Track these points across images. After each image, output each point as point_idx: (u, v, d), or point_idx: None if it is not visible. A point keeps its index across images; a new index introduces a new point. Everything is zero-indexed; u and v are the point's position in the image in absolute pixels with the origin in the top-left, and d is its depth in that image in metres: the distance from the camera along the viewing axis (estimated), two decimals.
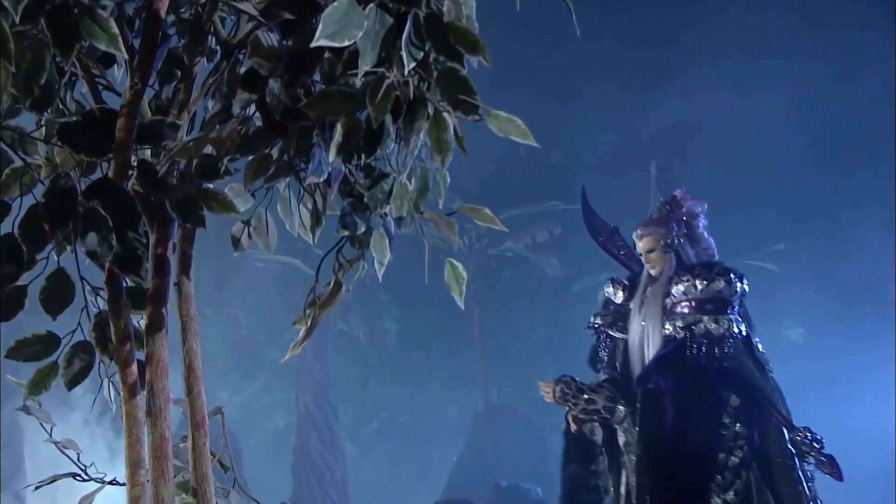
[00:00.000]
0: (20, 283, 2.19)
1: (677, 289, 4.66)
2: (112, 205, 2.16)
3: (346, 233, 2.04)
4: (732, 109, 14.67)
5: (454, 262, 2.01)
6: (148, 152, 2.37)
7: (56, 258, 2.34)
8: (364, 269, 2.15)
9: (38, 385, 2.29)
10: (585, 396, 4.66)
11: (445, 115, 1.82)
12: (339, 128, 1.99)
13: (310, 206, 2.36)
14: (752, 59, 14.53)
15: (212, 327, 17.42)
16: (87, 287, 2.33)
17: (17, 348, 2.26)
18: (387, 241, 2.06)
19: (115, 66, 2.50)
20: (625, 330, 4.88)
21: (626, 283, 4.96)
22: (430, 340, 19.30)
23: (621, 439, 4.73)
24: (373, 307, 19.29)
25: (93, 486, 2.62)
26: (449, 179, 2.03)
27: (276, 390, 19.45)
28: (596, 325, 4.98)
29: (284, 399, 18.84)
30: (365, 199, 2.05)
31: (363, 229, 2.04)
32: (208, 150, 2.28)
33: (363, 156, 2.02)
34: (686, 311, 4.63)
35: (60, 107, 2.37)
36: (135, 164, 2.26)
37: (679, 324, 4.62)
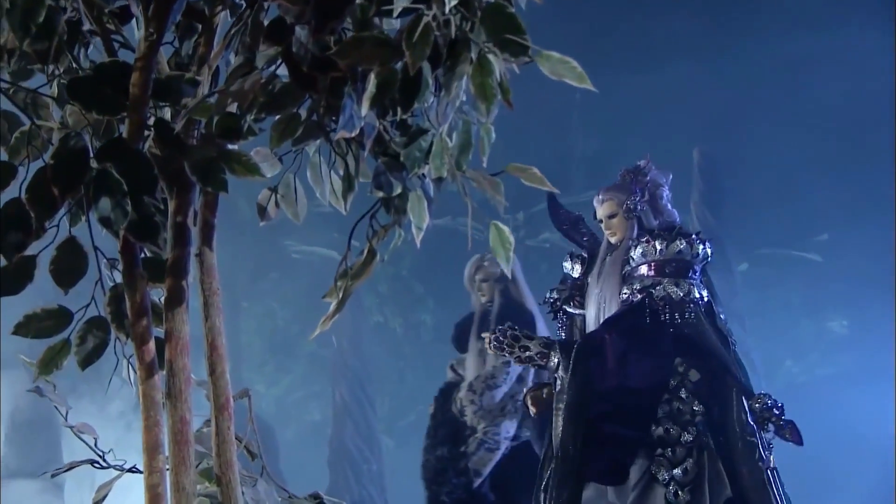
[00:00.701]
0: (28, 253, 2.03)
1: (636, 252, 4.52)
2: (126, 167, 1.98)
3: (381, 194, 1.85)
4: (782, 91, 14.34)
5: (500, 224, 1.81)
6: (168, 115, 2.20)
7: (69, 227, 2.18)
8: (401, 236, 1.96)
9: (49, 364, 2.13)
10: (520, 344, 4.49)
11: (491, 57, 1.63)
12: (372, 78, 1.80)
13: (341, 172, 2.17)
14: (809, 38, 14.17)
15: (248, 320, 17.31)
16: (102, 258, 2.15)
17: (26, 324, 2.10)
18: (425, 203, 1.87)
19: (135, 23, 2.33)
20: (582, 305, 4.73)
21: (584, 255, 4.80)
22: None
23: (556, 387, 4.51)
24: (409, 299, 19.15)
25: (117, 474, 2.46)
26: (494, 135, 1.84)
27: (312, 382, 19.34)
28: (552, 301, 4.80)
29: (320, 391, 18.73)
30: (401, 158, 1.86)
31: (399, 190, 1.85)
32: (232, 109, 2.11)
33: (399, 110, 1.83)
34: (645, 273, 4.49)
35: (74, 66, 2.20)
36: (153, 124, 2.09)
37: (637, 286, 4.47)
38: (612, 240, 4.65)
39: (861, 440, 13.57)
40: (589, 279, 4.71)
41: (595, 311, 4.62)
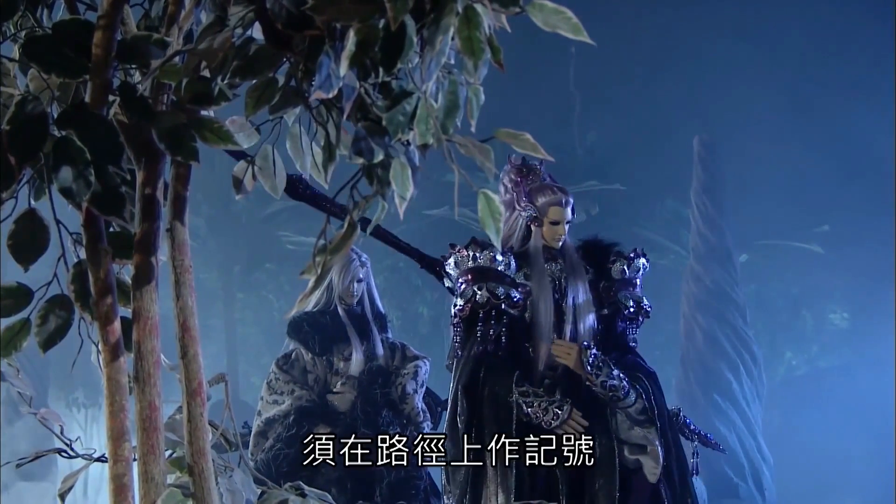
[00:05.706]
0: None
1: (615, 268, 4.46)
2: (89, 134, 1.85)
3: (361, 160, 1.71)
4: (784, 80, 14.21)
5: (489, 193, 1.67)
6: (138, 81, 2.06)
7: (32, 200, 2.04)
8: (384, 208, 1.82)
9: (8, 345, 1.99)
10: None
11: (478, 7, 1.49)
12: (351, 35, 1.67)
13: (322, 142, 2.04)
14: (810, 28, 14.05)
15: (243, 311, 17.17)
16: (66, 232, 2.02)
17: None
18: (409, 171, 1.73)
19: None
20: (517, 307, 4.31)
21: (509, 251, 4.37)
22: None
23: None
24: (407, 291, 19.01)
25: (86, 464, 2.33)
26: (483, 97, 1.70)
27: None
28: (499, 298, 4.22)
29: None
30: (383, 123, 1.72)
31: (381, 157, 1.71)
32: (206, 75, 1.97)
33: (381, 71, 1.69)
34: (632, 290, 4.49)
35: (35, 28, 2.06)
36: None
37: (628, 309, 4.48)
38: (558, 245, 4.38)
39: (861, 432, 13.47)
40: (533, 284, 4.32)
41: (549, 317, 4.29)
